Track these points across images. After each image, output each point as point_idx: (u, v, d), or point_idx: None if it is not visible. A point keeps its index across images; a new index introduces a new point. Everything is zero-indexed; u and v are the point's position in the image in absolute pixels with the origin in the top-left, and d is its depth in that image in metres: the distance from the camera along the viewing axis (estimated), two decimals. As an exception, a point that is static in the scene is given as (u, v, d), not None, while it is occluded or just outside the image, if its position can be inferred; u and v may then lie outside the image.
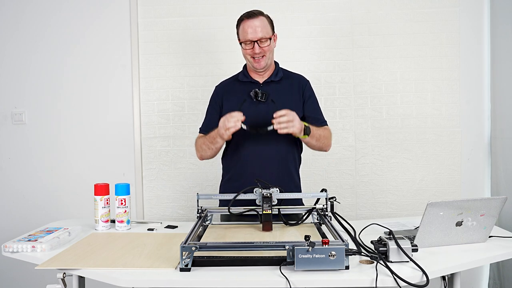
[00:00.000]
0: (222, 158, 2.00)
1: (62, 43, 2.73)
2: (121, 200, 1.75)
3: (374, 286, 1.19)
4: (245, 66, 1.97)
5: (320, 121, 1.92)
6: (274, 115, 1.65)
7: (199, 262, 1.29)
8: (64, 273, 1.41)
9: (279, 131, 1.65)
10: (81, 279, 1.49)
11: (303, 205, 1.83)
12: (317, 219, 1.72)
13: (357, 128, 2.67)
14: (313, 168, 2.68)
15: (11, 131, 2.77)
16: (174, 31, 2.70)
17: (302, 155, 1.99)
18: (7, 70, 2.76)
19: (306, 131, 1.73)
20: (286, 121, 1.64)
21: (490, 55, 2.58)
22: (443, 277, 1.40)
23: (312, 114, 1.91)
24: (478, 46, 2.62)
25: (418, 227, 1.46)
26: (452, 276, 1.40)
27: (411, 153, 2.66)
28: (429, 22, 2.62)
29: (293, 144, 1.90)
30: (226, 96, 1.92)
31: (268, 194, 1.63)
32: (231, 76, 2.01)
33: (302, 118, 1.88)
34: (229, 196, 1.70)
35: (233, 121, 1.65)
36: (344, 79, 2.66)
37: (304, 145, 1.95)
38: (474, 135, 2.64)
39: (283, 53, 2.64)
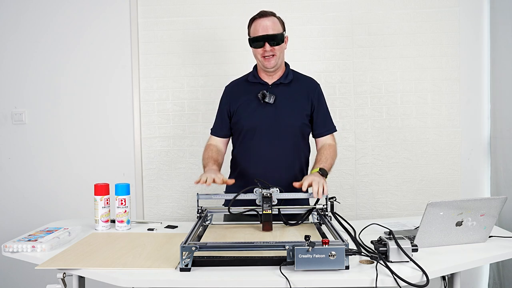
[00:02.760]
0: (231, 160, 2.00)
1: (62, 43, 2.73)
2: (121, 200, 1.75)
3: (374, 286, 1.19)
4: (255, 67, 1.97)
5: (328, 128, 1.93)
6: (303, 188, 1.64)
7: (199, 262, 1.29)
8: (64, 273, 1.40)
9: (319, 196, 1.63)
10: (81, 279, 1.49)
11: (308, 204, 1.81)
12: (317, 219, 1.72)
13: (357, 128, 2.67)
14: (313, 168, 2.68)
15: (11, 131, 2.77)
16: (174, 31, 2.70)
17: None
18: (7, 70, 2.76)
19: (325, 174, 1.76)
20: (317, 187, 1.62)
21: (490, 55, 2.58)
22: (443, 277, 1.41)
23: (320, 121, 1.92)
24: (478, 46, 2.62)
25: (418, 227, 1.46)
26: (452, 276, 1.40)
27: (411, 153, 2.66)
28: (429, 22, 2.62)
29: (298, 149, 1.90)
30: (234, 97, 1.93)
31: (268, 194, 1.64)
32: (242, 76, 2.01)
33: (310, 121, 1.92)
34: (229, 196, 1.70)
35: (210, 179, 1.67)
36: (344, 79, 2.66)
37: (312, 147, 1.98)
38: (474, 135, 2.64)
39: (283, 53, 2.65)
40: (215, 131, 2.00)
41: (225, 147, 2.00)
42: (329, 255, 1.22)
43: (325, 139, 1.93)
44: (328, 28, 2.66)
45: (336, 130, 1.97)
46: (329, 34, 2.66)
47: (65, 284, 1.42)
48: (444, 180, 2.65)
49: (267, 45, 1.80)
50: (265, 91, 1.85)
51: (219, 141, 1.98)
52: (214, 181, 1.66)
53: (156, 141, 2.73)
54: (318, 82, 1.99)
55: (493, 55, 2.56)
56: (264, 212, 1.61)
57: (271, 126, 1.85)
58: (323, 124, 1.93)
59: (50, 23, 2.73)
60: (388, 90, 2.66)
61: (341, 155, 2.67)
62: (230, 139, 2.02)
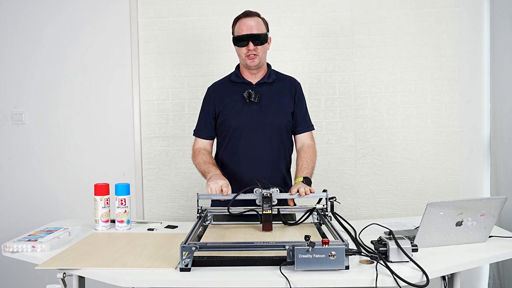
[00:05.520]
0: (215, 158, 1.99)
1: (62, 43, 2.73)
2: (121, 200, 1.75)
3: (374, 286, 1.19)
4: (237, 67, 1.98)
5: (306, 126, 1.98)
6: (292, 192, 1.69)
7: (199, 262, 1.29)
8: (64, 273, 1.41)
9: (304, 195, 1.68)
10: (81, 279, 1.49)
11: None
12: (317, 219, 1.72)
13: (357, 128, 2.67)
14: (313, 168, 2.67)
15: (11, 131, 2.77)
16: (174, 31, 2.70)
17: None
18: (7, 70, 2.76)
19: (309, 183, 1.79)
20: (304, 189, 1.67)
21: (490, 55, 2.58)
22: (443, 277, 1.41)
23: (300, 118, 1.96)
24: (478, 46, 2.62)
25: (418, 227, 1.46)
26: (452, 276, 1.40)
27: (411, 153, 2.66)
28: (429, 22, 2.62)
29: (284, 147, 1.93)
30: (219, 98, 1.93)
31: (268, 194, 1.63)
32: (224, 76, 2.02)
33: (292, 117, 1.95)
34: (229, 196, 1.70)
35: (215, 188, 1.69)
36: (344, 79, 2.66)
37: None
38: (474, 135, 2.64)
39: (283, 53, 2.65)
40: (200, 133, 1.98)
41: (211, 150, 2.00)
42: (329, 255, 1.22)
43: (304, 138, 1.96)
44: (328, 28, 2.66)
45: (314, 129, 2.00)
46: (329, 34, 2.66)
47: (65, 284, 1.42)
48: (444, 180, 2.65)
49: (251, 44, 1.81)
50: (250, 90, 1.86)
51: (206, 143, 1.98)
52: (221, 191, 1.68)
53: (156, 141, 2.73)
54: (300, 82, 2.01)
55: (493, 55, 2.56)
56: (264, 212, 1.61)
57: (257, 125, 1.86)
58: (301, 121, 1.96)
59: (50, 23, 2.73)
60: (388, 90, 2.66)
61: (341, 155, 2.68)
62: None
